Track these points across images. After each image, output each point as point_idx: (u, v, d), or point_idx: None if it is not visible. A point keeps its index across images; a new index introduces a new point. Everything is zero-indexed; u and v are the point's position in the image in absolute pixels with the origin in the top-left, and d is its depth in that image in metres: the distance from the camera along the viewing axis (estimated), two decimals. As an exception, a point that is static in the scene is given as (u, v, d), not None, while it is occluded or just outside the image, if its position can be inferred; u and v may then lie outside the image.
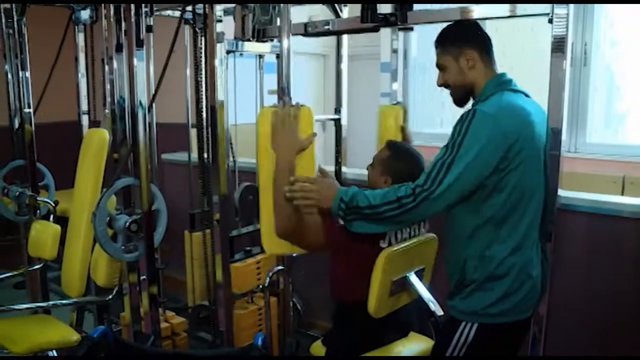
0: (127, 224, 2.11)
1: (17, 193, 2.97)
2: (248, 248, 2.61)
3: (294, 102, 1.96)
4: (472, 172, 1.69)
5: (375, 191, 1.76)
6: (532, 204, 1.80)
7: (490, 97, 1.82)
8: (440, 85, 1.96)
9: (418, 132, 5.14)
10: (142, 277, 2.21)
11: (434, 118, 5.06)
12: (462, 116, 1.74)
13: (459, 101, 1.96)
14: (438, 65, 1.94)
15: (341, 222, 1.81)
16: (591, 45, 4.01)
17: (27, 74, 2.94)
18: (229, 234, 2.33)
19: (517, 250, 1.79)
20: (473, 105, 1.86)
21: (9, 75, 3.07)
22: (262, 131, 1.92)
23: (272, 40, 2.51)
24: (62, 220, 2.76)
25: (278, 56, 2.53)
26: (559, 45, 1.79)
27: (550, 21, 1.79)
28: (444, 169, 1.68)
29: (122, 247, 2.16)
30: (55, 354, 2.95)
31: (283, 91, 2.04)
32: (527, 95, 1.89)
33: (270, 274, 2.46)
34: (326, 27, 2.36)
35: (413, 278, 2.11)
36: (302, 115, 1.92)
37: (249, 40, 2.45)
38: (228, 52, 2.27)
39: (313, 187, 1.80)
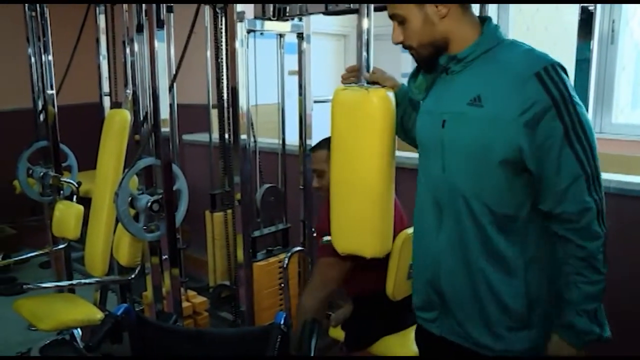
0: (149, 203, 2.12)
1: (41, 174, 3.01)
2: (270, 248, 2.61)
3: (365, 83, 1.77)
4: None
5: (583, 286, 1.33)
6: None
7: (497, 46, 1.37)
8: (397, 43, 1.46)
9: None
10: (164, 257, 2.23)
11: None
12: (542, 80, 1.26)
13: (428, 63, 1.45)
14: (393, 17, 1.45)
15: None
16: (619, 22, 3.91)
17: (50, 56, 2.95)
18: (250, 218, 2.33)
19: None
20: (469, 60, 1.38)
21: (32, 59, 3.09)
22: (336, 121, 1.79)
23: (292, 19, 2.49)
24: (85, 201, 2.79)
25: (299, 35, 2.53)
26: (585, 23, 1.74)
27: (578, -3, 1.74)
28: (597, 177, 1.30)
29: (144, 227, 2.17)
30: (80, 332, 3.01)
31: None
32: None
33: (290, 254, 2.46)
34: (347, 5, 2.33)
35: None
36: (379, 100, 1.72)
37: (269, 19, 2.43)
38: (248, 31, 2.25)
39: None
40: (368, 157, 1.74)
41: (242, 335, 1.55)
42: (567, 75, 1.29)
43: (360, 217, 1.79)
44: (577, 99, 1.28)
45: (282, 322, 1.48)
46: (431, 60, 1.42)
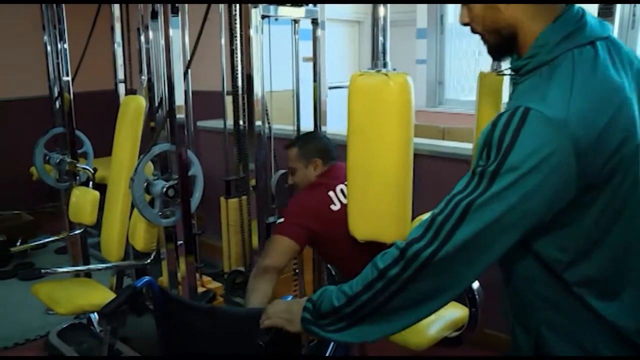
0: (164, 189, 2.13)
1: (58, 160, 3.04)
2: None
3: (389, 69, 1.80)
4: (518, 219, 1.02)
5: (354, 280, 1.17)
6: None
7: (551, 64, 1.06)
8: (464, 24, 1.21)
9: (454, 99, 5.09)
10: (179, 243, 2.24)
11: (470, 85, 4.96)
12: (500, 117, 1.02)
13: (496, 51, 1.20)
14: None
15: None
16: (641, 6, 3.84)
17: (65, 44, 2.97)
18: (265, 204, 2.33)
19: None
20: (522, 73, 1.12)
21: (48, 47, 3.11)
22: (354, 106, 1.81)
23: (307, 5, 2.48)
24: (101, 187, 2.82)
25: (314, 21, 2.52)
26: (606, 8, 1.71)
27: (597, -19, 1.71)
28: (459, 212, 1.02)
29: (160, 213, 2.19)
30: (97, 316, 3.05)
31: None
32: (613, 43, 1.11)
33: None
34: (362, -9, 2.31)
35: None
36: (398, 86, 1.74)
37: (283, 4, 2.42)
38: (263, 17, 2.25)
39: (274, 310, 1.33)
40: (386, 143, 1.75)
41: (253, 314, 1.56)
42: (545, 132, 0.98)
43: (379, 203, 1.80)
44: (514, 159, 0.99)
45: None
46: (500, 49, 1.18)
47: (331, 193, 2.14)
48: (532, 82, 1.08)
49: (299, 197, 2.24)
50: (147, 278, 1.58)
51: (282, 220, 2.12)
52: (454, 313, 2.15)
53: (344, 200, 2.09)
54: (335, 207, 2.11)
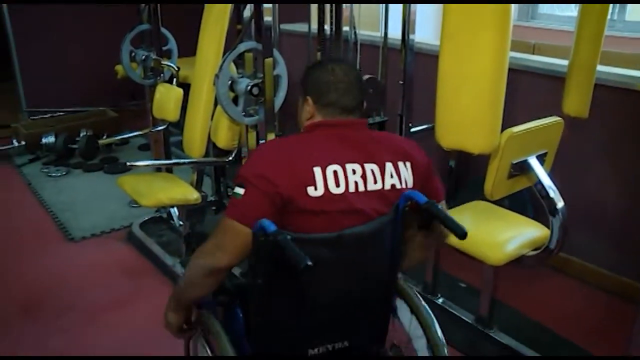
0: (249, 87, 2.12)
1: (143, 57, 3.08)
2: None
3: None
4: None
5: None
6: None
7: None
8: None
9: (548, 13, 4.79)
10: (261, 141, 2.26)
11: None
12: None
13: None
14: None
15: None
16: None
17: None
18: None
19: None
20: None
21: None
22: (448, 10, 1.75)
23: None
24: (184, 87, 2.84)
25: None
26: None
27: None
28: None
29: (243, 112, 2.19)
30: (177, 212, 3.17)
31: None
32: None
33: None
34: None
35: (533, 162, 2.03)
36: None
37: None
38: None
39: None
40: (481, 49, 1.68)
41: (372, 231, 1.35)
42: None
43: (469, 111, 1.74)
44: None
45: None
46: None
47: (317, 169, 1.32)
48: None
49: (265, 150, 1.51)
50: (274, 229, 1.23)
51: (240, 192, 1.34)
52: (534, 232, 2.10)
53: (336, 189, 1.32)
54: (316, 191, 1.31)
